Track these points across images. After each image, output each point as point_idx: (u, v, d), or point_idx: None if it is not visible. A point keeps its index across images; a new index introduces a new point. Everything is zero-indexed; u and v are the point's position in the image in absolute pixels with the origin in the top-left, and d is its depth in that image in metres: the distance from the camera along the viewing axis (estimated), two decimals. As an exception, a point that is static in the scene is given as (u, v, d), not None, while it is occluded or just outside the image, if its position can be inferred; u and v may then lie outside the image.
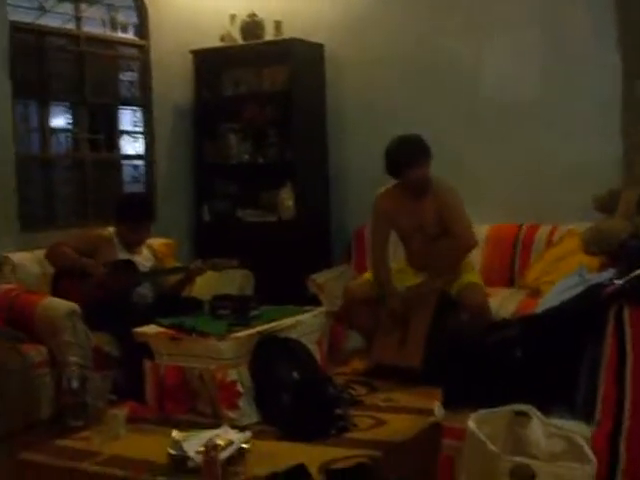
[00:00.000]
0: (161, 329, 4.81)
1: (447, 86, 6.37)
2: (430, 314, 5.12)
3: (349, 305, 5.42)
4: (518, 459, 2.42)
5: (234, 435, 3.92)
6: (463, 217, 5.21)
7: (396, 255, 5.58)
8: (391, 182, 5.30)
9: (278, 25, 6.81)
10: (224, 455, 3.70)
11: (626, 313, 2.57)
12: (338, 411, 4.36)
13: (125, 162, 6.78)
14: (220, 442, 3.76)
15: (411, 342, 5.11)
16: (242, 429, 4.11)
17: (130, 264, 5.35)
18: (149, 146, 6.78)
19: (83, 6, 6.27)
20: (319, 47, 6.82)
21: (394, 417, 4.50)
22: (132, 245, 5.45)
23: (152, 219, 5.61)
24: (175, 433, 3.98)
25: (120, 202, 5.64)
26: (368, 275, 5.53)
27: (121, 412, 4.38)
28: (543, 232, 5.89)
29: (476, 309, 5.01)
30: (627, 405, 2.55)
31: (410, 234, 5.32)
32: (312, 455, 3.82)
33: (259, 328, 4.74)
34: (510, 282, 5.89)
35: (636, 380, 2.54)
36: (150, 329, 4.84)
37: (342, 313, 5.55)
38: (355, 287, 5.47)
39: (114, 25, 6.52)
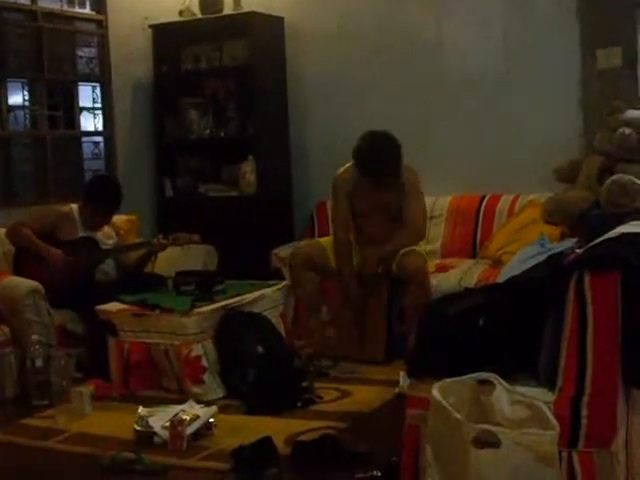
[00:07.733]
0: (124, 306, 4.81)
1: (409, 59, 6.35)
2: (383, 304, 5.13)
3: (294, 268, 5.23)
4: (482, 426, 2.44)
5: (200, 410, 3.93)
6: (421, 207, 5.15)
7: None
8: (350, 161, 5.14)
9: (237, -2, 6.75)
10: (190, 430, 3.73)
11: (586, 281, 2.60)
12: (303, 384, 4.40)
13: (85, 139, 6.70)
14: (186, 417, 3.78)
15: (371, 337, 5.12)
16: (208, 404, 4.13)
17: (92, 241, 5.32)
18: (109, 122, 6.70)
19: (39, -19, 6.18)
20: (279, 20, 6.76)
21: (359, 388, 4.55)
22: (95, 226, 5.40)
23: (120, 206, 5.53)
24: (141, 409, 3.99)
25: (93, 184, 5.53)
26: (324, 240, 5.43)
27: (86, 390, 4.38)
28: (505, 203, 5.92)
29: (415, 274, 4.94)
30: (588, 371, 2.58)
31: (367, 214, 5.19)
32: (278, 428, 3.85)
33: (223, 303, 4.76)
34: (472, 253, 5.92)
35: (597, 346, 2.58)
36: (113, 306, 4.83)
37: (290, 274, 5.36)
38: (304, 249, 5.31)
39: (71, 0, 6.42)
